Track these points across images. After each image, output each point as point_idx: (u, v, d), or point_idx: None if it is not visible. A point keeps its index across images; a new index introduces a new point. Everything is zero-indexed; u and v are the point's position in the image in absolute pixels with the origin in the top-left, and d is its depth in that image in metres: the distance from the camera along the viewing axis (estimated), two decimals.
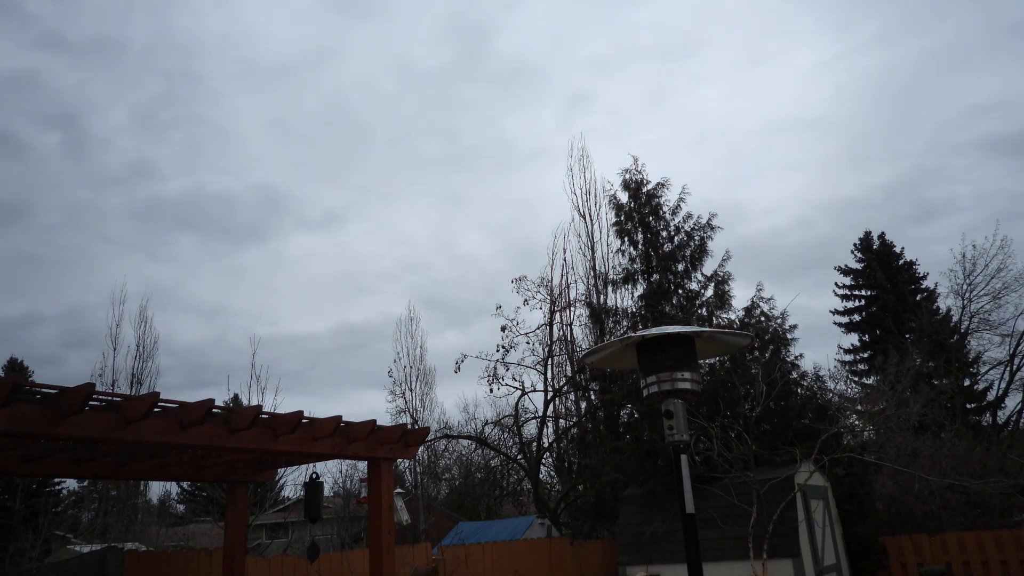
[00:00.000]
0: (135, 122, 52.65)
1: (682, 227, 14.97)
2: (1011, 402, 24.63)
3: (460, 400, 33.69)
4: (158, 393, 5.16)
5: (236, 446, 5.80)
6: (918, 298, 28.72)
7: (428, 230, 52.79)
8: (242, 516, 8.42)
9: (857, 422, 14.96)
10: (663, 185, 15.27)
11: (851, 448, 12.39)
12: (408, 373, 25.70)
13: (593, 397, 16.98)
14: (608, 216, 19.64)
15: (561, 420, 21.68)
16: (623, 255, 15.38)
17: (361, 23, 63.65)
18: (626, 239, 15.26)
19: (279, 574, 8.97)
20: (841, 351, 30.27)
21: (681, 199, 15.16)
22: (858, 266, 30.87)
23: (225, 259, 51.68)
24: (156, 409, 5.26)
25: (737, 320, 13.86)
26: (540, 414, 20.58)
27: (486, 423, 22.75)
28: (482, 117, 57.07)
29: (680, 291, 14.50)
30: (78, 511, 24.77)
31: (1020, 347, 24.31)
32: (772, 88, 55.47)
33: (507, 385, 20.49)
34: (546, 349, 20.72)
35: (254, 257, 52.88)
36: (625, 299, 16.26)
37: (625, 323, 15.05)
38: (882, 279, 29.33)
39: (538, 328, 20.87)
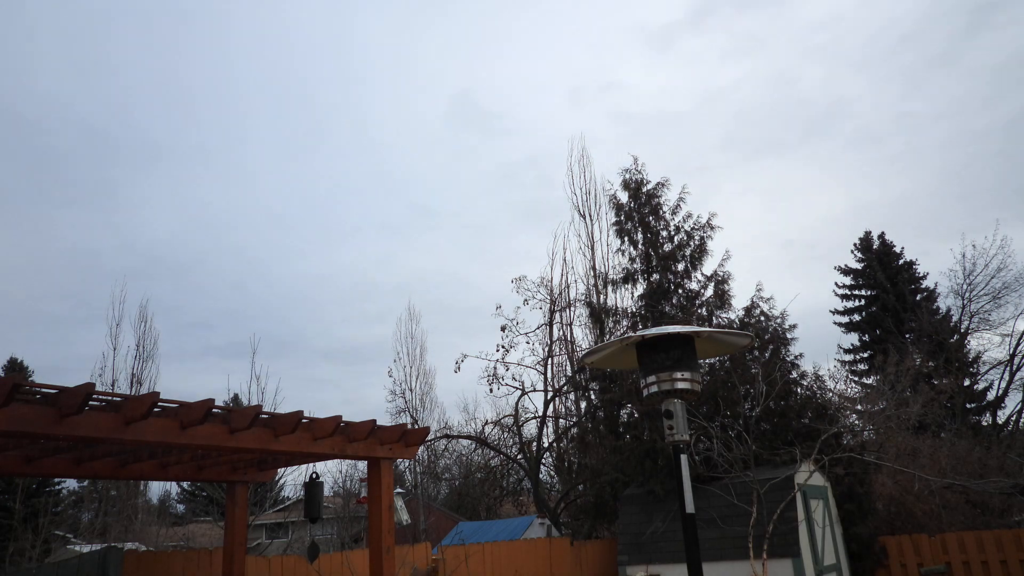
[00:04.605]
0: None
1: (682, 227, 14.98)
2: (1011, 402, 24.71)
3: (460, 399, 33.72)
4: (158, 393, 5.15)
5: (236, 446, 5.80)
6: (918, 298, 28.76)
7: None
8: (242, 516, 8.42)
9: (857, 422, 14.97)
10: (663, 185, 15.28)
11: (851, 448, 12.40)
12: (408, 373, 25.74)
13: (593, 397, 16.97)
14: (608, 216, 19.66)
15: (561, 420, 21.70)
16: (623, 255, 15.39)
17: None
18: (626, 239, 15.26)
19: (279, 574, 8.96)
20: (841, 351, 30.38)
21: (681, 199, 15.17)
22: (858, 266, 30.92)
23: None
24: (156, 409, 5.26)
25: (737, 320, 13.86)
26: (540, 414, 20.60)
27: (486, 423, 22.74)
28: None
29: (680, 291, 14.50)
30: (78, 511, 24.77)
31: (1020, 347, 24.36)
32: None
33: (507, 385, 20.53)
34: (546, 349, 20.75)
35: None
36: (625, 299, 16.28)
37: (625, 323, 15.05)
38: (882, 279, 29.37)
39: (538, 328, 20.91)
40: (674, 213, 15.12)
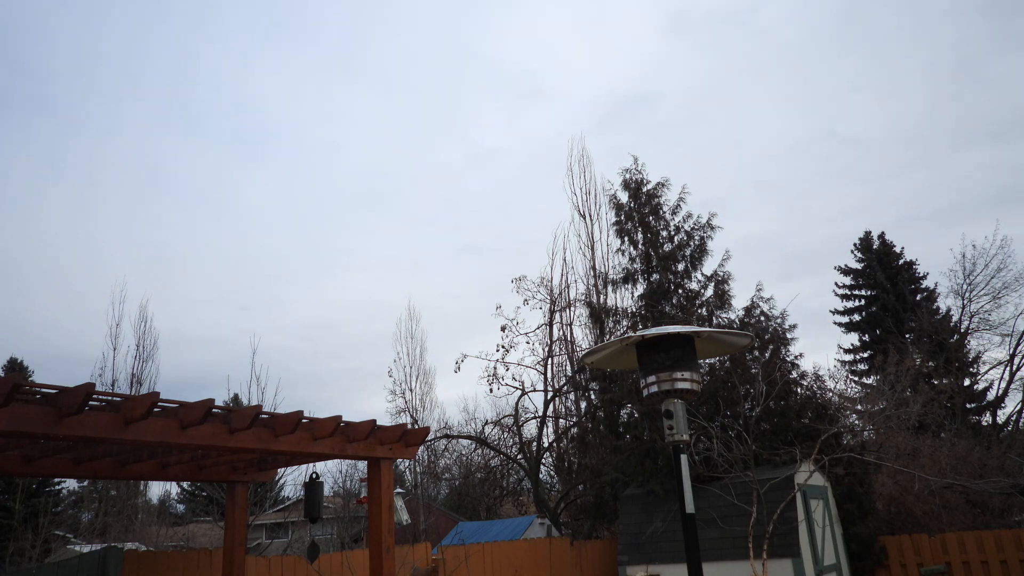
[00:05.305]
0: None
1: (682, 227, 14.99)
2: (1011, 402, 24.73)
3: (460, 399, 33.74)
4: (158, 393, 5.15)
5: (236, 446, 5.80)
6: (918, 298, 28.78)
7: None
8: (242, 516, 8.42)
9: (857, 422, 14.98)
10: (663, 185, 15.29)
11: (851, 448, 12.40)
12: (408, 373, 25.73)
13: (593, 397, 16.98)
14: (608, 216, 19.68)
15: (561, 420, 21.71)
16: (623, 255, 15.40)
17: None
18: (626, 239, 15.27)
19: (279, 574, 8.96)
20: (841, 351, 30.39)
21: (681, 199, 15.18)
22: (858, 266, 30.92)
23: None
24: (156, 409, 5.25)
25: (737, 320, 13.87)
26: (540, 414, 20.62)
27: (486, 423, 22.76)
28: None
29: (680, 291, 14.50)
30: (78, 511, 24.77)
31: (1020, 347, 24.37)
32: None
33: (507, 385, 20.55)
34: (546, 349, 20.76)
35: None
36: (625, 299, 16.27)
37: (625, 323, 15.05)
38: (882, 279, 29.39)
39: (538, 328, 20.92)
40: (674, 213, 15.14)
